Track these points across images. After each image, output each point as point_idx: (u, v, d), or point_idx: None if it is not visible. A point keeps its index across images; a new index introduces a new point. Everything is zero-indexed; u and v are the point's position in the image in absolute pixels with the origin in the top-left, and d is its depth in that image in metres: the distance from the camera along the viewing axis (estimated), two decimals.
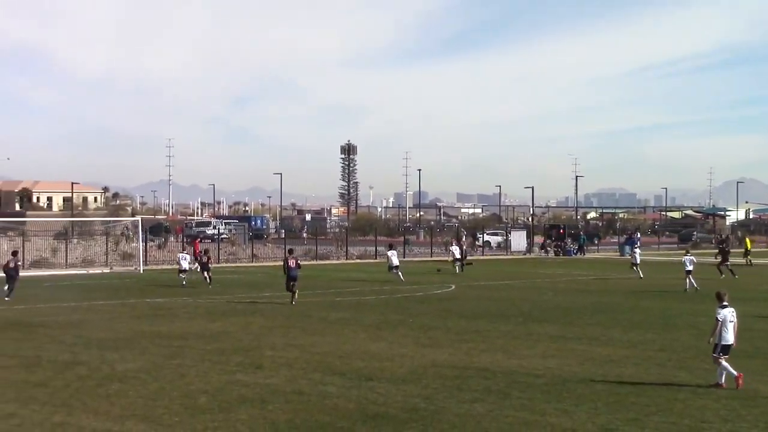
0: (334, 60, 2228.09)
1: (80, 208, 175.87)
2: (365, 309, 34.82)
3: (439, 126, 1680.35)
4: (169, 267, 61.00)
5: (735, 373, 18.54)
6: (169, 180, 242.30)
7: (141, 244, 61.44)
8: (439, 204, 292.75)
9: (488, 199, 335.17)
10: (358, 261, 73.20)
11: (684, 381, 19.44)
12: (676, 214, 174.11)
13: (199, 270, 47.42)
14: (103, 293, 41.13)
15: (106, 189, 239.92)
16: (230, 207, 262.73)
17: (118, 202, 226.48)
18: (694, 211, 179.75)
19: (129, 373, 19.94)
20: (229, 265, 64.97)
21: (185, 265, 46.98)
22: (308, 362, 21.65)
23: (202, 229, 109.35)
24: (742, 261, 64.55)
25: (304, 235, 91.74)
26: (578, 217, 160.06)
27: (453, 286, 46.20)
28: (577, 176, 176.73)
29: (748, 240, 73.20)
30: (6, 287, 38.53)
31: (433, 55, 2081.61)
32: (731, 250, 58.07)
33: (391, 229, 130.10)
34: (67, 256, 63.18)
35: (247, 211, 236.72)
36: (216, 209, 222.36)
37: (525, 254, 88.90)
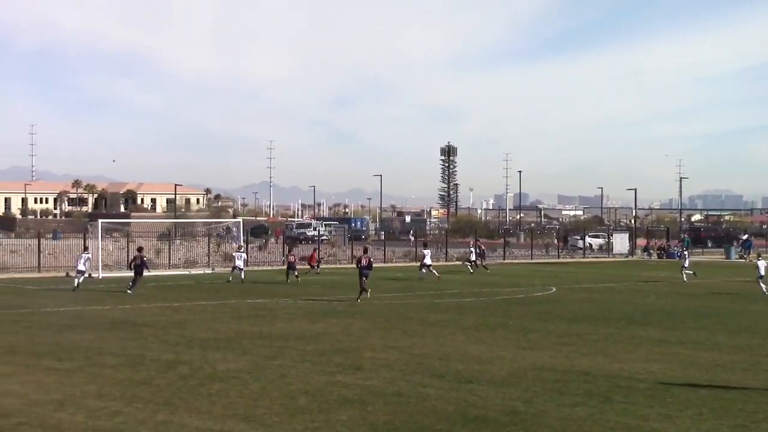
0: (436, 61, 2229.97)
1: (183, 210, 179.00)
2: (465, 311, 34.69)
3: (540, 127, 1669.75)
4: (270, 268, 61.67)
5: None
6: (270, 181, 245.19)
7: (243, 246, 62.02)
8: (539, 206, 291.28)
9: (590, 201, 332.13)
10: (458, 263, 72.99)
11: None
12: None
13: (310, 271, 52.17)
14: (205, 294, 41.69)
15: (208, 191, 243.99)
16: (330, 209, 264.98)
17: (220, 203, 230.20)
18: None
19: (230, 373, 20.12)
20: (328, 266, 65.30)
21: (240, 263, 49.53)
22: (408, 364, 21.62)
23: (302, 230, 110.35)
24: None
25: (411, 238, 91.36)
26: (682, 219, 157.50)
27: (554, 289, 45.81)
28: (681, 177, 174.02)
29: None
30: (131, 282, 41.62)
31: (535, 56, 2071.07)
32: None
33: (490, 231, 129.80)
34: (170, 256, 64.25)
35: (347, 212, 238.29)
36: (316, 211, 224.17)
37: (627, 257, 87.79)
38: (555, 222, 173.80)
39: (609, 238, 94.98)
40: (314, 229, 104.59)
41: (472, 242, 68.09)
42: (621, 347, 24.89)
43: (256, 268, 61.29)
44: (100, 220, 58.62)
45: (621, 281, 52.32)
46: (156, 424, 15.39)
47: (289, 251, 53.98)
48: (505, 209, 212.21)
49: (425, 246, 58.68)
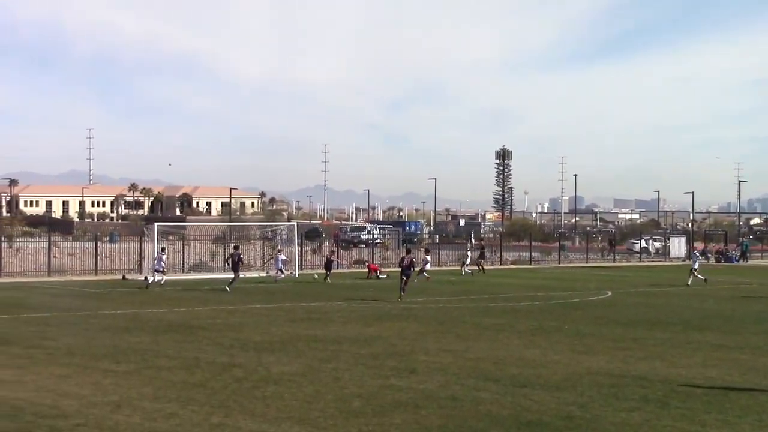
0: (490, 64, 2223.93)
1: (238, 213, 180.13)
2: (519, 315, 34.52)
3: (595, 130, 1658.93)
4: (323, 272, 61.68)
5: None
6: (324, 185, 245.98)
7: (297, 249, 62.27)
8: (595, 209, 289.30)
9: (646, 204, 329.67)
10: (512, 266, 72.75)
11: None
12: None
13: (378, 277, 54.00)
14: (260, 297, 41.86)
15: (263, 194, 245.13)
16: (384, 212, 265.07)
17: (274, 207, 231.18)
18: None
19: (284, 376, 20.17)
20: (383, 269, 65.22)
21: (280, 264, 51.94)
22: (462, 368, 21.54)
23: (356, 233, 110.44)
24: None
25: (473, 241, 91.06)
26: (741, 222, 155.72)
27: (609, 292, 45.46)
28: (739, 181, 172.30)
29: None
30: (232, 280, 44.99)
31: (591, 58, 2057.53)
32: None
33: (545, 235, 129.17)
34: (224, 260, 64.52)
35: (402, 216, 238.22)
36: (370, 214, 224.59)
37: (684, 261, 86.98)
38: (610, 225, 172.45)
39: (666, 241, 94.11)
40: (368, 232, 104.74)
41: (471, 243, 68.46)
42: (678, 352, 24.63)
43: (309, 271, 61.42)
44: (156, 224, 59.03)
45: (678, 285, 51.77)
46: (211, 427, 15.46)
47: (331, 251, 57.57)
48: (560, 213, 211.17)
49: (427, 252, 58.63)
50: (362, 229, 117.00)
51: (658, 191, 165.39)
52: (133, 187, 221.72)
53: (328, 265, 53.92)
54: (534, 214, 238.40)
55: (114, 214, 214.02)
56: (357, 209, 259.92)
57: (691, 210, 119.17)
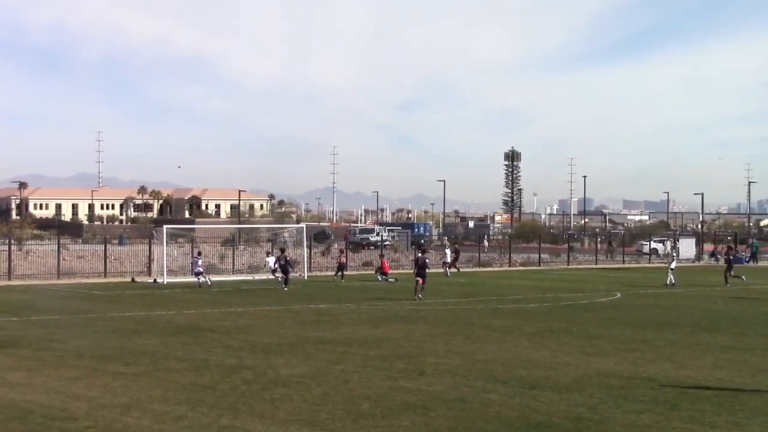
0: (500, 65, 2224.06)
1: (247, 215, 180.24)
2: (528, 316, 34.49)
3: (604, 131, 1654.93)
4: (332, 274, 61.70)
5: None
6: (333, 187, 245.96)
7: (305, 251, 62.27)
8: (604, 211, 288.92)
9: (656, 205, 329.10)
10: (521, 268, 72.68)
11: None
12: None
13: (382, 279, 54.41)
14: (269, 299, 41.87)
15: (272, 196, 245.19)
16: (393, 214, 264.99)
17: (283, 209, 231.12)
18: None
19: (293, 378, 20.18)
20: (391, 271, 65.22)
21: (271, 265, 52.50)
22: (471, 370, 21.53)
23: (365, 235, 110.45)
24: None
25: (486, 243, 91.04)
26: (750, 224, 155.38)
27: (618, 294, 45.39)
28: (749, 182, 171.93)
29: None
30: (285, 280, 47.50)
31: (600, 59, 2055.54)
32: None
33: (555, 236, 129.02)
34: (233, 262, 64.70)
35: (410, 218, 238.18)
36: (379, 216, 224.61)
37: (694, 262, 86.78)
38: (620, 227, 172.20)
39: (675, 242, 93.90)
40: (377, 234, 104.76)
41: (448, 244, 69.35)
42: (688, 354, 24.58)
43: (318, 273, 61.45)
44: (165, 226, 59.14)
45: (687, 286, 51.66)
46: (220, 429, 15.48)
47: (342, 252, 59.76)
48: (570, 214, 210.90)
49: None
50: (371, 231, 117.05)
51: (668, 192, 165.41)
52: (142, 189, 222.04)
53: (341, 266, 55.86)
54: (543, 216, 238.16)
55: (123, 217, 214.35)
56: (366, 211, 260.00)
57: (700, 211, 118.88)
